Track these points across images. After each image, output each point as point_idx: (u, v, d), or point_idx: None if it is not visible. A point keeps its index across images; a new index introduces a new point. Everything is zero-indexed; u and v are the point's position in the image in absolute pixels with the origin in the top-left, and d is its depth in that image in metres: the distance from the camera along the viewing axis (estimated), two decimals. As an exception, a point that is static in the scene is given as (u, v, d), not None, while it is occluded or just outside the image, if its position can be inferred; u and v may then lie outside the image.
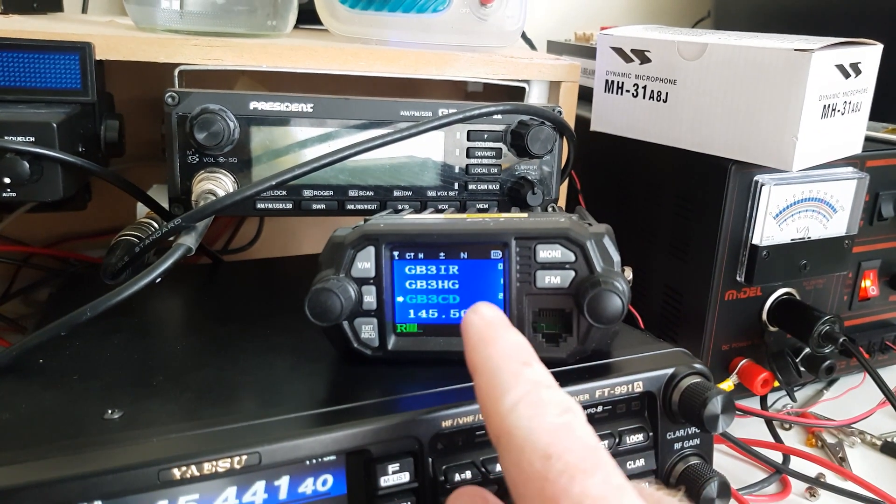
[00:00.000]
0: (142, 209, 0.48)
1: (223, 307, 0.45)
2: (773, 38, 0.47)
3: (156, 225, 0.45)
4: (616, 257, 0.32)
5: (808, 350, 0.53)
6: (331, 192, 0.44)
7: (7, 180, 0.38)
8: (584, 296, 0.31)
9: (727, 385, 0.52)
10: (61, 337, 0.33)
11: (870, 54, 0.48)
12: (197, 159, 0.42)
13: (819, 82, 0.44)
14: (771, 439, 0.50)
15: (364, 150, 0.40)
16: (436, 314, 0.34)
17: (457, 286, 0.33)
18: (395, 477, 0.29)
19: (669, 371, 0.34)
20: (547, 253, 0.32)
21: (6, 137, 0.39)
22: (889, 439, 0.51)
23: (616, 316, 0.30)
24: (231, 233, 0.71)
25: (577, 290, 0.32)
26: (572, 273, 0.32)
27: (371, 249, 0.33)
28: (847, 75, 0.46)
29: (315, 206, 0.44)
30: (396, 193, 0.45)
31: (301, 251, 0.74)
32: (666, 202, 0.54)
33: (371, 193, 0.45)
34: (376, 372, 0.34)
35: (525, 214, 0.36)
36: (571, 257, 0.32)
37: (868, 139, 0.54)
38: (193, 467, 0.26)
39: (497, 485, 0.31)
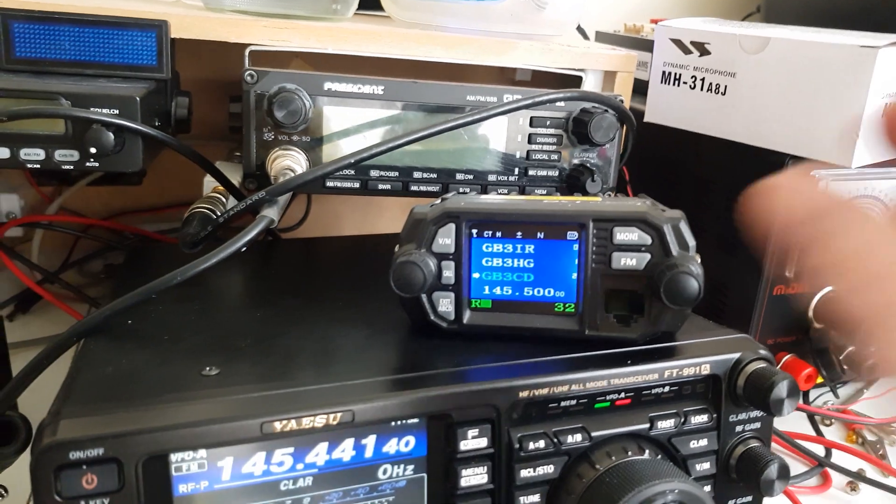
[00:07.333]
0: (208, 185, 0.50)
1: (287, 281, 0.47)
2: (835, 34, 0.47)
3: (223, 199, 0.46)
4: (692, 242, 0.33)
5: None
6: (396, 174, 0.45)
7: (93, 150, 0.40)
8: (660, 278, 0.32)
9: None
10: (143, 303, 0.35)
11: (932, 54, 0.48)
12: (272, 137, 0.43)
13: (883, 79, 0.44)
14: (812, 433, 0.51)
15: (437, 132, 0.41)
16: (510, 291, 0.35)
17: (532, 265, 0.34)
18: (473, 442, 0.30)
19: (735, 356, 0.35)
20: (624, 235, 0.33)
21: (92, 109, 0.40)
22: (930, 438, 0.52)
23: (693, 298, 0.31)
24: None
25: (651, 272, 0.33)
26: (648, 256, 0.33)
27: (452, 226, 0.34)
28: (910, 74, 0.47)
29: (381, 187, 0.45)
30: (458, 177, 0.46)
31: (342, 233, 0.75)
32: (717, 196, 0.54)
33: (434, 176, 0.46)
34: (450, 344, 0.35)
35: (598, 198, 0.37)
36: (648, 240, 0.33)
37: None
38: (293, 421, 0.27)
39: (567, 455, 0.32)
